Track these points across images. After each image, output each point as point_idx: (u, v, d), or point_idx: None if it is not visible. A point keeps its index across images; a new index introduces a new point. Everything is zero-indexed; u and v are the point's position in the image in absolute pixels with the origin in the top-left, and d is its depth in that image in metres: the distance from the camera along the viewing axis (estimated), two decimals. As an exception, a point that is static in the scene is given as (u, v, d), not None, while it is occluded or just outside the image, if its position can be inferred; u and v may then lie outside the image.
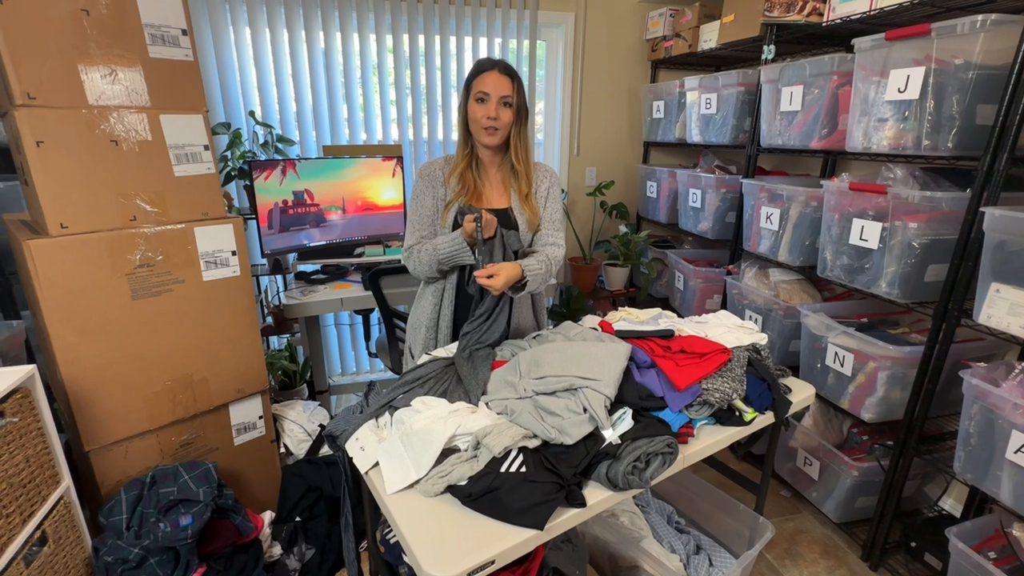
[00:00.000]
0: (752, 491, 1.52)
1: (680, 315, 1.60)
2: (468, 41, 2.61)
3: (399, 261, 1.54)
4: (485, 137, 1.36)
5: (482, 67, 1.35)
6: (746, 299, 2.18)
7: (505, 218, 1.42)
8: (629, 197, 3.08)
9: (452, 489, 0.91)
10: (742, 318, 1.44)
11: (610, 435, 0.99)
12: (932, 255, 1.49)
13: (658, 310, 1.62)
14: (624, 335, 1.25)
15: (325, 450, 1.91)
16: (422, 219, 1.43)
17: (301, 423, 1.90)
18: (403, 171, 2.42)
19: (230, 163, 2.26)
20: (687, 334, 1.31)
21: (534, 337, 1.26)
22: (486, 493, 0.88)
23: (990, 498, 1.39)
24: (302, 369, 2.50)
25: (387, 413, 1.10)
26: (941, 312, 1.49)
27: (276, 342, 2.70)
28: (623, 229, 2.76)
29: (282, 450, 1.84)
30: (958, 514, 1.82)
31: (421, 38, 2.52)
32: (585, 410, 1.00)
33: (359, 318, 2.72)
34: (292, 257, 2.36)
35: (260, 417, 1.71)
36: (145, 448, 1.47)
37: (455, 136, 1.48)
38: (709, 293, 2.48)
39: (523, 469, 0.91)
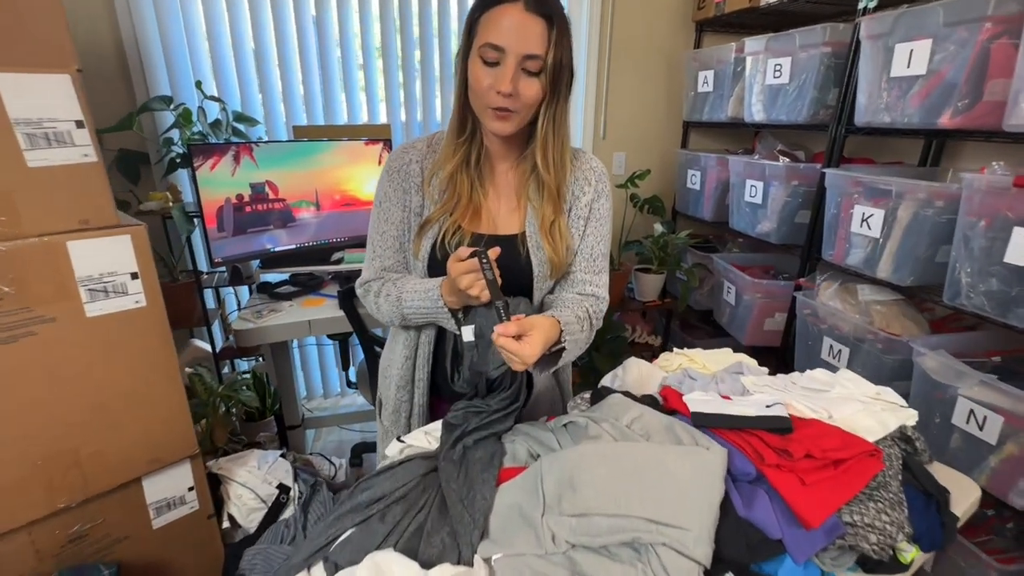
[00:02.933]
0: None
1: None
2: (472, -4, 2.12)
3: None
4: (493, 121, 0.85)
5: None
6: (824, 323, 1.70)
7: (512, 251, 0.93)
8: (664, 189, 2.59)
9: None
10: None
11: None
12: None
13: (736, 357, 1.16)
14: (706, 422, 0.79)
15: (285, 517, 1.49)
16: (386, 239, 0.97)
17: (252, 486, 1.47)
18: (391, 158, 1.96)
19: (175, 147, 1.81)
20: (801, 413, 0.85)
21: (564, 426, 0.80)
22: None
23: None
24: (272, 400, 2.07)
25: (321, 566, 0.65)
26: None
27: (246, 364, 2.27)
28: (659, 228, 2.28)
29: (226, 524, 1.42)
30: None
31: (413, -9, 2.05)
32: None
33: (336, 343, 2.27)
34: (255, 264, 1.91)
35: (190, 488, 1.28)
36: (12, 553, 1.04)
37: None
38: (769, 311, 2.00)
39: None
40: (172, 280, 1.88)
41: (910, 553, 0.72)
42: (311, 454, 1.99)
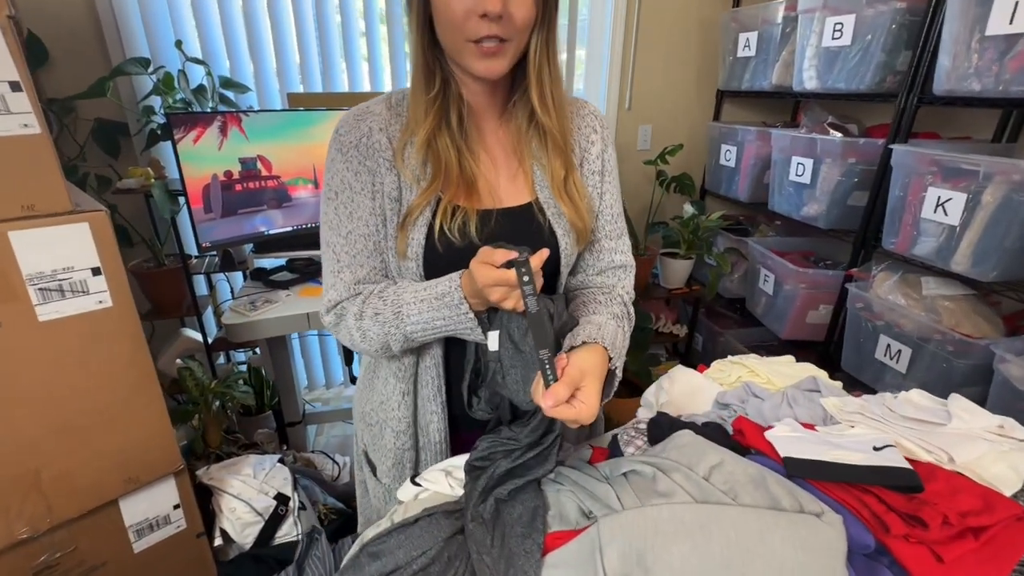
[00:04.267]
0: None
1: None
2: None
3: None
4: (479, 61, 0.65)
5: None
6: (880, 319, 1.53)
7: (527, 226, 0.75)
8: (693, 165, 2.38)
9: None
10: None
11: None
12: None
13: (803, 369, 0.99)
14: (804, 472, 0.62)
15: (283, 532, 1.36)
16: (355, 242, 0.72)
17: (247, 498, 1.33)
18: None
19: (156, 117, 1.62)
20: (914, 454, 0.68)
21: (624, 475, 0.63)
22: None
23: None
24: (270, 394, 1.93)
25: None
26: None
27: (243, 355, 2.12)
28: (689, 209, 2.09)
29: (218, 541, 1.28)
30: None
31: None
32: None
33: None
34: (248, 248, 1.74)
35: (176, 506, 1.14)
36: (-35, 589, 0.91)
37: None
38: (813, 303, 1.82)
39: None
40: (158, 265, 1.71)
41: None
42: (313, 451, 1.86)
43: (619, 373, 0.69)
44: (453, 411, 0.80)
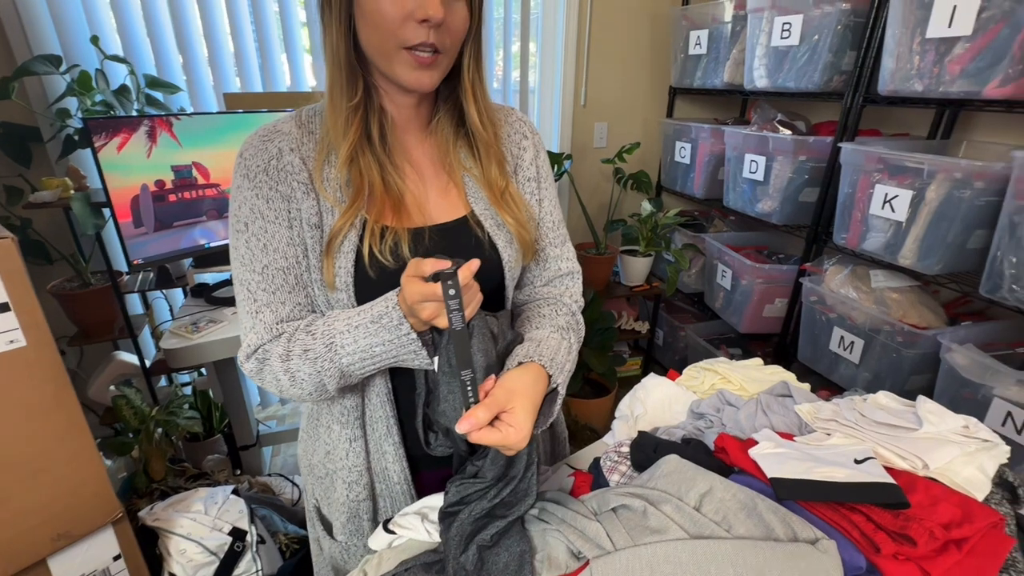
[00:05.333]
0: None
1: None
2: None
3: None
4: (412, 71, 0.60)
5: None
6: (833, 312, 1.58)
7: (465, 242, 0.70)
8: (649, 162, 2.40)
9: None
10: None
11: None
12: None
13: (773, 373, 0.99)
14: (793, 494, 0.61)
15: (241, 570, 1.26)
16: (272, 277, 0.64)
17: (199, 537, 1.22)
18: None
19: (72, 121, 1.46)
20: (891, 462, 0.69)
21: (613, 510, 0.60)
22: None
23: None
24: (219, 416, 1.80)
25: None
26: None
27: (187, 376, 1.97)
28: (647, 207, 2.10)
29: (168, 587, 1.18)
30: None
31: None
32: None
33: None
34: (187, 263, 1.61)
35: (116, 557, 1.04)
36: None
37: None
38: (769, 297, 1.87)
39: None
40: (83, 285, 1.55)
41: (1033, 637, 0.58)
42: (269, 475, 1.76)
43: (562, 390, 0.65)
44: (411, 451, 0.73)
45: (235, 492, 1.36)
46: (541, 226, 0.78)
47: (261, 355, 0.64)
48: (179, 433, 1.69)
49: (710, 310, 2.18)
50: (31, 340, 0.81)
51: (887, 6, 1.34)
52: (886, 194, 1.37)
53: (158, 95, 1.57)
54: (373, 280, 0.64)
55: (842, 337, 1.56)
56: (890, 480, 0.61)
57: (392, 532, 0.65)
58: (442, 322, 0.55)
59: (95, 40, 1.42)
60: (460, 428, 0.52)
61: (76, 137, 1.44)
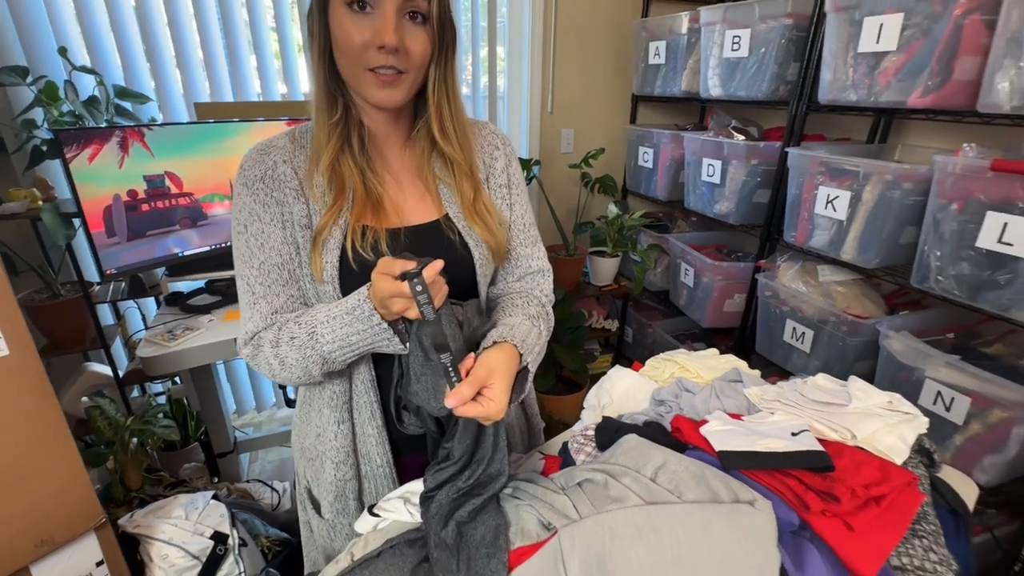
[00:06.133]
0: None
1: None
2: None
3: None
4: (376, 90, 0.68)
5: None
6: (785, 305, 1.69)
7: (439, 241, 0.77)
8: (614, 166, 2.49)
9: None
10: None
11: None
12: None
13: (727, 361, 1.08)
14: (736, 463, 0.69)
15: (224, 573, 1.28)
16: (268, 272, 0.72)
17: (180, 542, 1.24)
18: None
19: (39, 132, 1.46)
20: (824, 434, 0.77)
21: (579, 484, 0.66)
22: None
23: None
24: (195, 424, 1.80)
25: None
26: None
27: (160, 386, 1.96)
28: (614, 210, 2.19)
29: (150, 592, 1.19)
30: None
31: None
32: None
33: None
34: (160, 272, 1.61)
35: (99, 563, 1.05)
36: None
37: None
38: (729, 292, 1.98)
39: None
40: (52, 296, 1.54)
41: (944, 581, 0.67)
42: (248, 481, 1.77)
43: (532, 368, 0.72)
44: (393, 435, 0.80)
45: (215, 497, 1.38)
46: (512, 228, 0.85)
47: (256, 342, 0.71)
48: (155, 442, 1.69)
49: (675, 307, 2.28)
50: (13, 349, 0.83)
51: (824, 22, 1.45)
52: (828, 195, 1.49)
53: (127, 105, 1.57)
54: (356, 273, 0.71)
55: (794, 328, 1.67)
56: (819, 448, 0.70)
57: (377, 515, 0.70)
58: (413, 314, 0.61)
59: (63, 51, 1.42)
60: (448, 402, 0.59)
61: (44, 148, 1.43)
